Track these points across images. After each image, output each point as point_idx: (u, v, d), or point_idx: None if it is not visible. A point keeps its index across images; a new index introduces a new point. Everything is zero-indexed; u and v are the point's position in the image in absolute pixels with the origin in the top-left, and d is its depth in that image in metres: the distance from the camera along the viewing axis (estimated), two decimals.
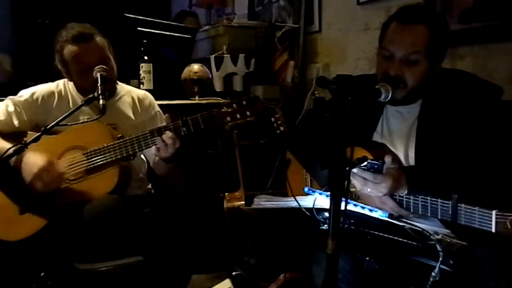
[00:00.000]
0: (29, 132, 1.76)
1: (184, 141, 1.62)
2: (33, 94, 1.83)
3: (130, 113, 1.89)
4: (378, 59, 1.45)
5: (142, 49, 2.41)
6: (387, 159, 1.32)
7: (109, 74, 1.74)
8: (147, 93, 2.00)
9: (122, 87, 1.96)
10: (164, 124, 1.64)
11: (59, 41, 1.76)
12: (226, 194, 2.26)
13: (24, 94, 1.83)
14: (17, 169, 1.64)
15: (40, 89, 1.85)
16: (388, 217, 1.20)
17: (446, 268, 1.07)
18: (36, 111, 1.81)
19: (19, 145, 1.55)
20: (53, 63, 1.80)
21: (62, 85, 1.88)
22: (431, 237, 1.05)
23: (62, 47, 1.75)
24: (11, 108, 1.79)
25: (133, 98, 1.93)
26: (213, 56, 2.76)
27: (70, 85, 1.87)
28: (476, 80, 1.40)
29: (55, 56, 1.79)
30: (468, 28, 1.95)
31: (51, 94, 1.85)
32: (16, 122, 1.79)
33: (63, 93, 1.86)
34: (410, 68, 1.36)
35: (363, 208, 1.22)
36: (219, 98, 2.56)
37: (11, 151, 1.55)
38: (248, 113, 1.59)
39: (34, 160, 1.62)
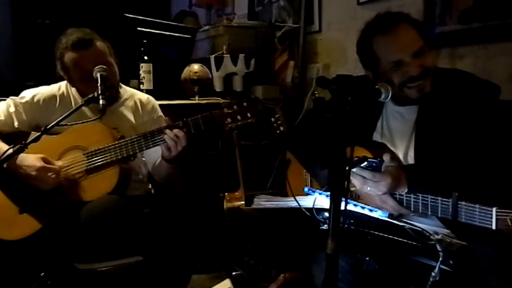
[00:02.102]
0: (32, 132, 1.76)
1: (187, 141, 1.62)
2: (34, 96, 1.82)
3: (131, 116, 1.89)
4: (388, 74, 1.38)
5: (142, 49, 2.41)
6: (386, 157, 1.33)
7: (111, 78, 1.73)
8: (151, 98, 1.99)
9: (126, 90, 1.96)
10: (165, 125, 1.64)
11: (59, 48, 1.75)
12: (226, 194, 2.25)
13: (26, 95, 1.82)
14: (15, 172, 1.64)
15: (42, 92, 1.84)
16: (388, 217, 1.21)
17: (446, 268, 1.07)
18: (37, 113, 1.80)
19: (19, 145, 1.55)
20: (55, 70, 1.79)
21: (64, 87, 1.87)
22: (431, 237, 1.06)
23: (62, 54, 1.74)
24: (12, 109, 1.79)
25: (135, 102, 1.92)
26: (213, 56, 2.75)
27: (73, 88, 1.86)
28: (474, 79, 1.41)
29: (56, 63, 1.77)
30: (468, 28, 1.95)
31: (52, 97, 1.84)
32: (16, 123, 1.78)
33: (65, 95, 1.86)
34: (424, 57, 1.37)
35: (363, 208, 1.23)
36: (219, 98, 2.56)
37: (11, 151, 1.55)
38: (248, 114, 1.59)
39: (28, 162, 1.62)
